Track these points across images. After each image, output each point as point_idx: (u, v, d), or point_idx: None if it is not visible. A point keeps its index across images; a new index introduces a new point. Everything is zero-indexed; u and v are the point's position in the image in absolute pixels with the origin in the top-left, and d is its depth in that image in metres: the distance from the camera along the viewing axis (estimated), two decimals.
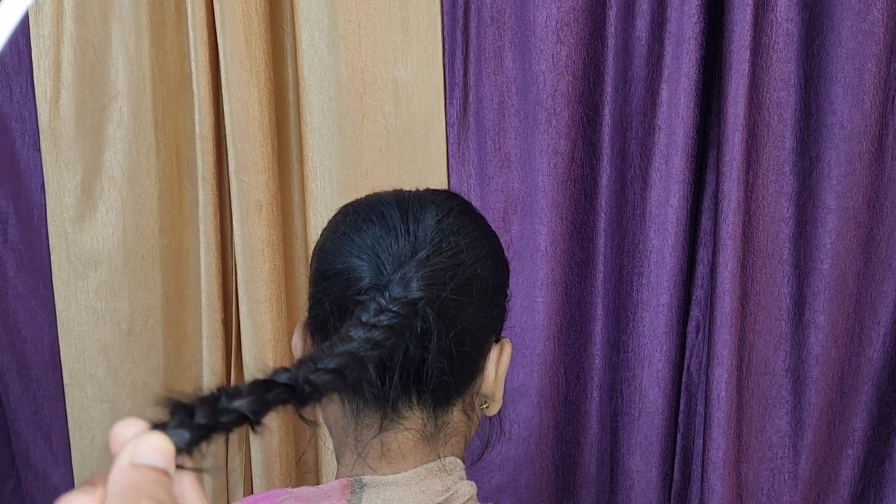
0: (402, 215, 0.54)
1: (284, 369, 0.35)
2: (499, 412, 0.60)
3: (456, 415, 0.57)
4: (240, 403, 0.31)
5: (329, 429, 0.60)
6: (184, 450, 0.29)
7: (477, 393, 0.58)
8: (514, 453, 1.02)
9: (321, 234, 0.58)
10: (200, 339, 1.00)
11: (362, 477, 0.55)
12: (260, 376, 0.34)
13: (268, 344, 0.98)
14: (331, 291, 0.53)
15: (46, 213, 1.00)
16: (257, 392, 0.32)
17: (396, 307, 0.46)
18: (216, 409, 0.31)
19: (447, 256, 0.52)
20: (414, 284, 0.50)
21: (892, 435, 0.96)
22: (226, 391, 0.32)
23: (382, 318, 0.44)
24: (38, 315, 1.05)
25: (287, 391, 0.34)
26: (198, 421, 0.30)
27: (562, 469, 1.03)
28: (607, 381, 1.01)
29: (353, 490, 0.55)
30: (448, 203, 0.56)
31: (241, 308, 0.97)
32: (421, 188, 0.59)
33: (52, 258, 1.01)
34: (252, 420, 0.32)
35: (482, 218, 0.58)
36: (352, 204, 0.58)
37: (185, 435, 0.29)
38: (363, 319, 0.43)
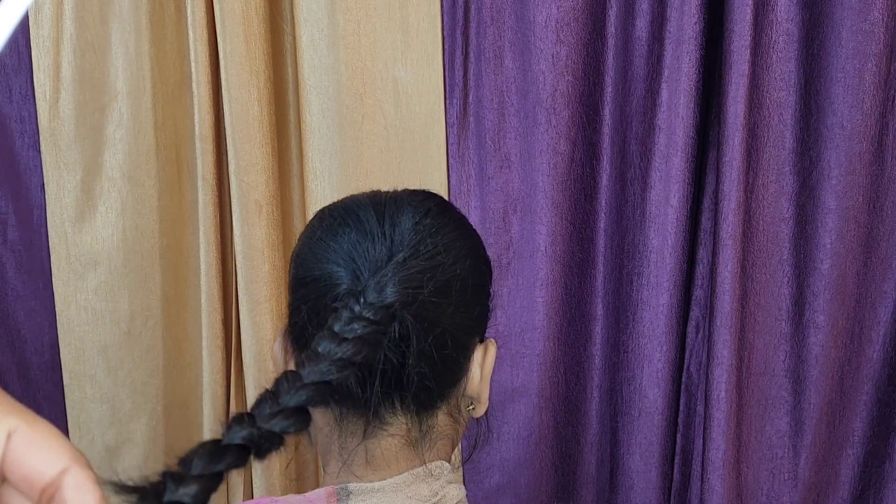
0: (379, 219, 0.53)
1: (240, 420, 0.33)
2: (486, 413, 0.59)
3: (441, 418, 0.56)
4: (185, 491, 0.29)
5: (313, 437, 0.59)
6: None
7: (462, 395, 0.57)
8: (513, 453, 1.02)
9: (298, 240, 0.57)
10: (200, 339, 1.00)
11: (348, 484, 0.54)
12: (214, 435, 0.32)
13: (268, 344, 0.98)
14: (308, 299, 0.52)
15: (46, 213, 1.00)
16: (208, 463, 0.30)
17: (370, 313, 0.44)
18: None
19: (424, 259, 0.51)
20: (389, 289, 0.49)
21: (892, 435, 0.96)
22: (172, 476, 0.30)
23: (355, 326, 0.42)
24: (37, 315, 1.05)
25: (242, 453, 0.32)
26: None
27: (561, 469, 1.03)
28: (607, 381, 1.01)
29: (339, 498, 0.54)
30: (426, 204, 0.55)
31: (241, 308, 0.97)
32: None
33: (51, 259, 1.01)
34: None
35: (462, 217, 0.57)
36: (328, 208, 0.57)
37: None
38: (335, 329, 0.42)
